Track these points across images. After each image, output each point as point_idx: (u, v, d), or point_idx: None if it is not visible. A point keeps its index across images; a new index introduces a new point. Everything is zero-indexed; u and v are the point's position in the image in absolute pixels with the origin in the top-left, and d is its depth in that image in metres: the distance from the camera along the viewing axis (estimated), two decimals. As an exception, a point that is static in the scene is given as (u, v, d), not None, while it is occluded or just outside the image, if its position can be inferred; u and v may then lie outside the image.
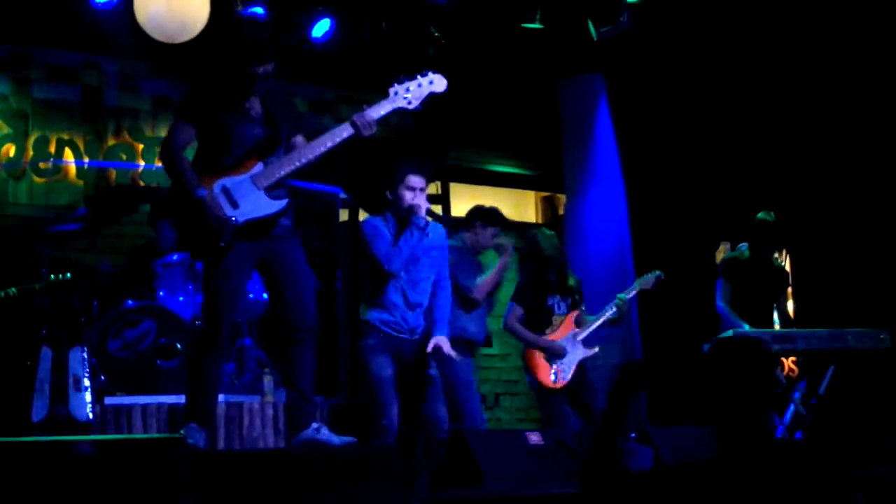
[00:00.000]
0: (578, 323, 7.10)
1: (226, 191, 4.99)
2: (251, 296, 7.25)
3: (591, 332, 7.15)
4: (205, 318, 5.22)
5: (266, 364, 7.14)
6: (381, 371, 5.47)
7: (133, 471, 3.79)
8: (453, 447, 4.59)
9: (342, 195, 7.85)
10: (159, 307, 7.19)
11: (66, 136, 8.38)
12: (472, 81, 8.70)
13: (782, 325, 7.65)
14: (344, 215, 9.49)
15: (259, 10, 7.49)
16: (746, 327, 7.01)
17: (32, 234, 6.89)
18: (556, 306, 7.08)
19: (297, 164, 5.10)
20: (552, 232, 7.35)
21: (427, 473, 4.56)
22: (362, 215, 9.31)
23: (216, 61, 5.25)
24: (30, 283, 6.46)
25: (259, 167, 5.08)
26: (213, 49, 5.40)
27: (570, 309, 7.11)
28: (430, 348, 5.56)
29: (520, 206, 10.51)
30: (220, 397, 5.86)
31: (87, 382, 6.00)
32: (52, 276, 6.37)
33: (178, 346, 7.03)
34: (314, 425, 5.12)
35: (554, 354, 6.94)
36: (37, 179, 8.24)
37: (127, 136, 8.63)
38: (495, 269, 6.80)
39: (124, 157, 8.59)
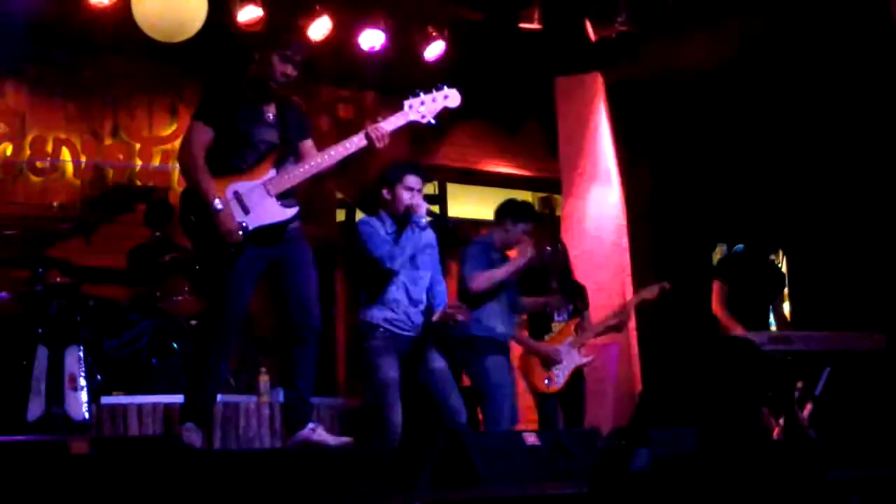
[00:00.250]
0: (578, 330, 7.11)
1: (238, 196, 4.98)
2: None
3: (589, 340, 7.18)
4: (210, 320, 5.21)
5: (262, 364, 7.14)
6: (388, 373, 5.44)
7: (129, 471, 3.79)
8: (450, 448, 4.58)
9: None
10: (156, 307, 7.18)
11: (63, 136, 8.37)
12: (469, 80, 8.72)
13: (778, 326, 7.65)
14: (340, 215, 9.52)
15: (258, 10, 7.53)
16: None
17: (28, 232, 6.88)
18: (556, 313, 7.09)
19: (310, 172, 5.10)
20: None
21: (427, 474, 4.55)
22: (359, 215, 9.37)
23: (239, 65, 5.23)
24: (26, 282, 6.47)
25: (272, 173, 5.07)
26: (240, 54, 5.37)
27: (570, 316, 7.12)
28: (436, 317, 5.55)
29: (517, 207, 10.52)
30: (217, 397, 5.84)
31: (83, 382, 5.98)
32: (48, 275, 6.38)
33: (175, 345, 7.03)
34: (310, 425, 5.12)
35: (550, 360, 6.95)
36: (34, 178, 8.24)
37: (124, 136, 8.62)
38: (505, 267, 6.45)
39: (121, 156, 8.59)
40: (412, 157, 8.36)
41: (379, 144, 5.12)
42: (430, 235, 5.70)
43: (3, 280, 6.64)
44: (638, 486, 3.37)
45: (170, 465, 3.93)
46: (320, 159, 5.12)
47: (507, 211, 6.63)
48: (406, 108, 5.28)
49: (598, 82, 8.88)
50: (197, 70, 8.29)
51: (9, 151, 8.14)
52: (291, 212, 5.09)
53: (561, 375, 6.94)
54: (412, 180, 5.58)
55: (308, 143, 5.26)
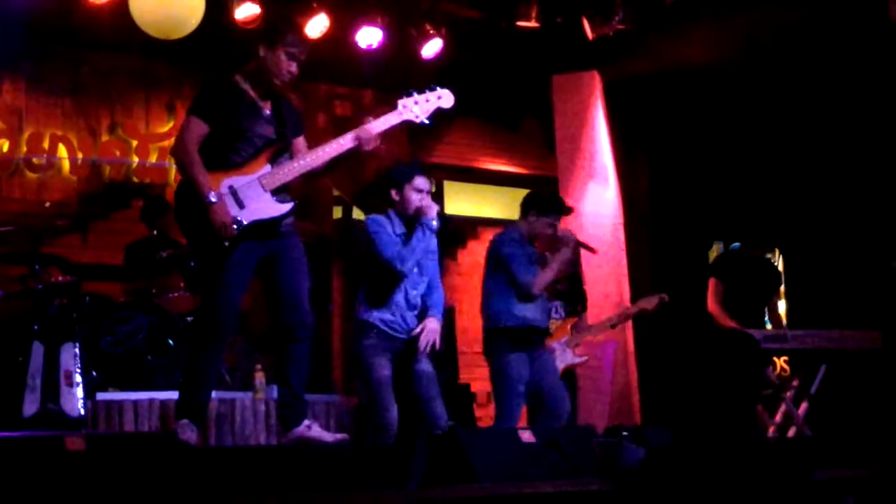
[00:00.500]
0: (574, 330, 7.12)
1: (233, 191, 4.98)
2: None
3: (583, 341, 7.18)
4: (204, 315, 5.21)
5: (258, 361, 7.14)
6: (381, 371, 5.45)
7: (124, 467, 3.79)
8: (446, 445, 4.58)
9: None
10: (152, 303, 7.18)
11: (59, 132, 8.37)
12: (467, 78, 8.72)
13: (774, 324, 7.67)
14: (337, 212, 9.52)
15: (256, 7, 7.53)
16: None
17: (25, 229, 6.87)
18: (553, 310, 7.08)
19: (303, 169, 5.11)
20: None
21: (421, 472, 4.55)
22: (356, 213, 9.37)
23: (237, 61, 5.23)
24: (22, 279, 6.47)
25: (267, 168, 5.07)
26: (239, 50, 5.37)
27: (568, 315, 7.13)
28: (417, 329, 5.54)
29: (513, 205, 10.49)
30: (212, 394, 5.84)
31: (78, 378, 5.99)
32: (45, 271, 6.38)
33: (171, 342, 7.03)
34: (305, 422, 5.13)
35: None
36: (30, 175, 8.23)
37: (121, 133, 8.62)
38: (555, 262, 6.29)
39: (118, 153, 8.58)
40: (412, 156, 8.38)
41: (367, 146, 5.13)
42: (434, 240, 5.69)
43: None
44: (630, 483, 3.38)
45: (165, 461, 3.93)
46: (311, 158, 5.13)
47: (532, 203, 6.50)
48: (400, 107, 5.28)
49: (595, 80, 8.87)
50: (194, 67, 8.29)
51: (5, 148, 8.13)
52: (286, 207, 5.09)
53: None
54: (421, 182, 5.57)
55: (300, 141, 5.27)
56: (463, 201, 9.86)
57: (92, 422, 6.22)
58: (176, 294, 7.35)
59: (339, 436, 5.22)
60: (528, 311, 6.25)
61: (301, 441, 5.06)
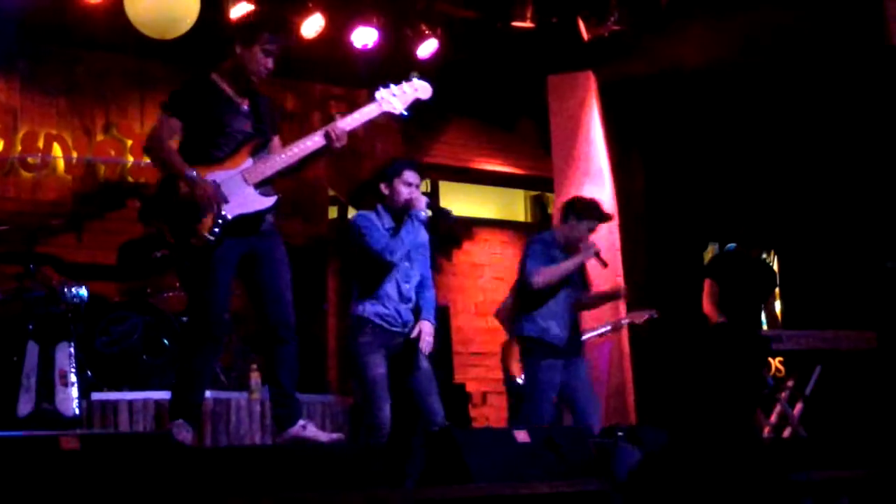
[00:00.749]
0: None
1: (216, 185, 4.97)
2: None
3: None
4: (195, 315, 5.21)
5: (253, 361, 7.13)
6: (376, 369, 5.44)
7: (119, 467, 3.78)
8: (441, 445, 4.58)
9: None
10: (146, 303, 7.17)
11: (54, 132, 8.35)
12: (462, 78, 8.72)
13: (770, 325, 7.68)
14: (333, 212, 9.51)
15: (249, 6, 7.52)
16: None
17: (19, 228, 6.86)
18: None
19: (284, 163, 5.11)
20: None
21: (419, 470, 4.55)
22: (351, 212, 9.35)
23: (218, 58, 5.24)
24: (17, 278, 6.45)
25: (249, 163, 5.08)
26: (217, 48, 5.38)
27: None
28: (414, 333, 5.54)
29: (509, 205, 10.52)
30: (207, 393, 5.84)
31: (73, 378, 5.98)
32: (39, 271, 6.37)
33: (165, 342, 7.02)
34: (300, 422, 5.12)
35: None
36: (24, 174, 8.21)
37: (116, 132, 8.61)
38: (564, 263, 6.25)
39: (113, 152, 8.57)
40: (407, 156, 8.37)
41: (337, 144, 5.12)
42: (424, 235, 5.69)
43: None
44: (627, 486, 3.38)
45: (160, 461, 3.93)
46: (284, 156, 5.13)
47: (571, 208, 6.43)
48: (378, 98, 5.29)
49: (590, 81, 8.87)
50: (189, 67, 8.26)
51: (0, 147, 8.11)
52: (270, 200, 5.09)
53: None
54: (410, 175, 5.57)
55: (276, 139, 5.27)
56: (458, 201, 9.85)
57: (87, 421, 6.21)
58: (171, 294, 7.34)
59: (334, 436, 5.22)
60: (550, 323, 6.25)
61: (296, 441, 5.05)
